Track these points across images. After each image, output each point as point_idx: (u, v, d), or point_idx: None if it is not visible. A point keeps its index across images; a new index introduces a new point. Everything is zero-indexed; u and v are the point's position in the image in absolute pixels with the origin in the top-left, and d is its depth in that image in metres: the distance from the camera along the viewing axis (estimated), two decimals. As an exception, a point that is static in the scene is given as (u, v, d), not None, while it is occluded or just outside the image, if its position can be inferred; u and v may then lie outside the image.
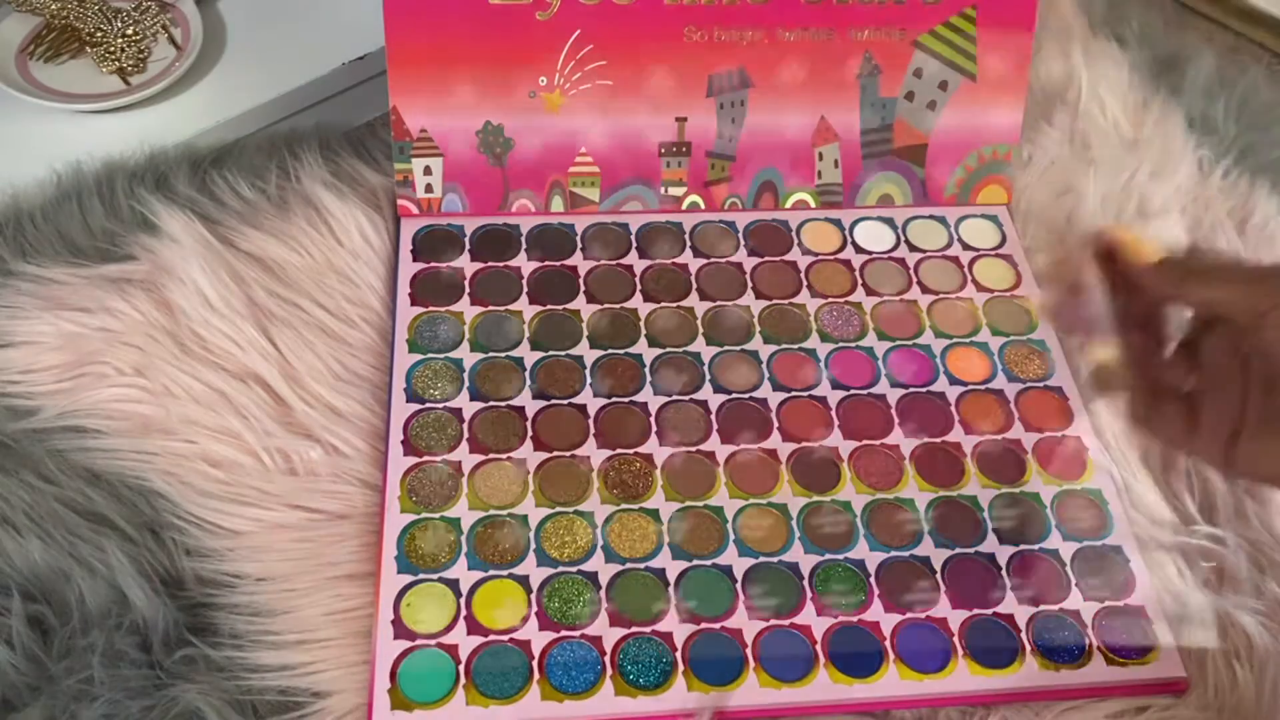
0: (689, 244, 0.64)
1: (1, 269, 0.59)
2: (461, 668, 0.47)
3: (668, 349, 0.59)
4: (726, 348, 0.59)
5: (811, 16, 0.63)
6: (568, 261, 0.63)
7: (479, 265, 0.62)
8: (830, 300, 0.62)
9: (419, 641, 0.48)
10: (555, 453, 0.54)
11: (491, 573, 0.50)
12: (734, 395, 0.57)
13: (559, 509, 0.52)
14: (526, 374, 0.57)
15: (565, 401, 0.56)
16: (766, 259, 0.64)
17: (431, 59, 0.61)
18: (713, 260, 0.63)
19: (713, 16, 0.62)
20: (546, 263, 0.62)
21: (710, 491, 0.53)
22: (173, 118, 0.71)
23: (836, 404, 0.57)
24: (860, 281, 0.63)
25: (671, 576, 0.50)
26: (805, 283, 0.62)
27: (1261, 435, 0.39)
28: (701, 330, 0.60)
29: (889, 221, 0.66)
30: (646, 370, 0.58)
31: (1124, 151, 0.69)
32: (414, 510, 0.52)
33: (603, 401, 0.56)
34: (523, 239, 0.63)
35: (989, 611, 0.50)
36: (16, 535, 0.49)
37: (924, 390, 0.58)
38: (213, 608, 0.49)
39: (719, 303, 0.61)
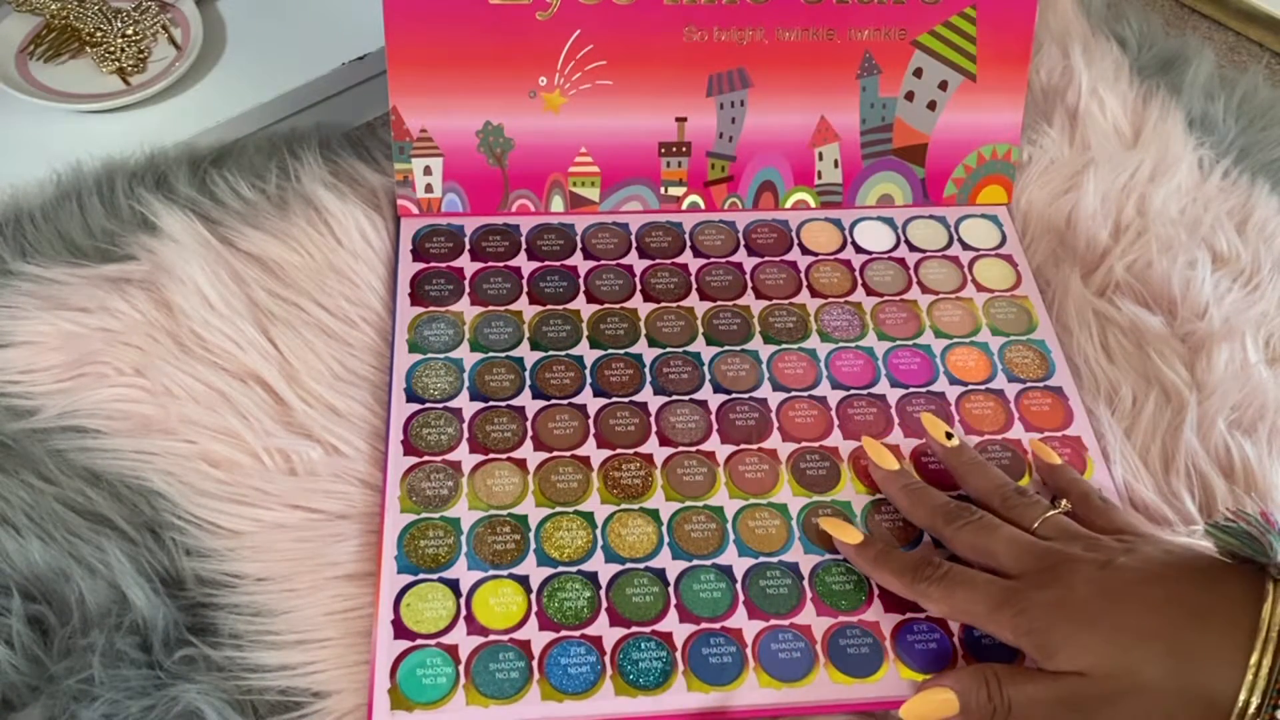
0: (689, 244, 0.64)
1: (1, 269, 0.59)
2: (461, 668, 0.47)
3: (668, 349, 0.59)
4: (726, 348, 0.59)
5: (811, 16, 0.63)
6: (568, 261, 0.63)
7: (479, 265, 0.62)
8: (830, 300, 0.62)
9: (419, 641, 0.48)
10: (555, 453, 0.54)
11: (491, 573, 0.50)
12: (734, 395, 0.57)
13: (559, 509, 0.52)
14: (526, 374, 0.57)
15: (565, 401, 0.56)
16: (766, 259, 0.64)
17: (431, 59, 0.61)
18: (713, 260, 0.63)
19: (713, 16, 0.62)
20: (546, 263, 0.62)
21: (710, 492, 0.53)
22: (173, 118, 0.71)
23: (836, 404, 0.57)
24: (860, 281, 0.63)
25: (671, 577, 0.50)
26: (805, 283, 0.63)
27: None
28: (701, 330, 0.60)
29: (889, 221, 0.66)
30: (646, 370, 0.58)
31: (1124, 151, 0.69)
32: (414, 510, 0.52)
33: (603, 401, 0.56)
34: (523, 239, 0.63)
35: (989, 611, 0.50)
36: (16, 535, 0.49)
37: (924, 390, 0.58)
38: (213, 608, 0.49)
39: (719, 303, 0.61)
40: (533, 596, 0.49)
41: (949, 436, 0.53)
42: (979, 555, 0.47)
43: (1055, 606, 0.43)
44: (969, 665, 0.46)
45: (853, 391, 0.58)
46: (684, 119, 0.64)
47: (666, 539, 0.51)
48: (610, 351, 0.58)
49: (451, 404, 0.56)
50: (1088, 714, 0.41)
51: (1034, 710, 0.42)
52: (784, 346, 0.59)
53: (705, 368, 0.58)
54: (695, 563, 0.51)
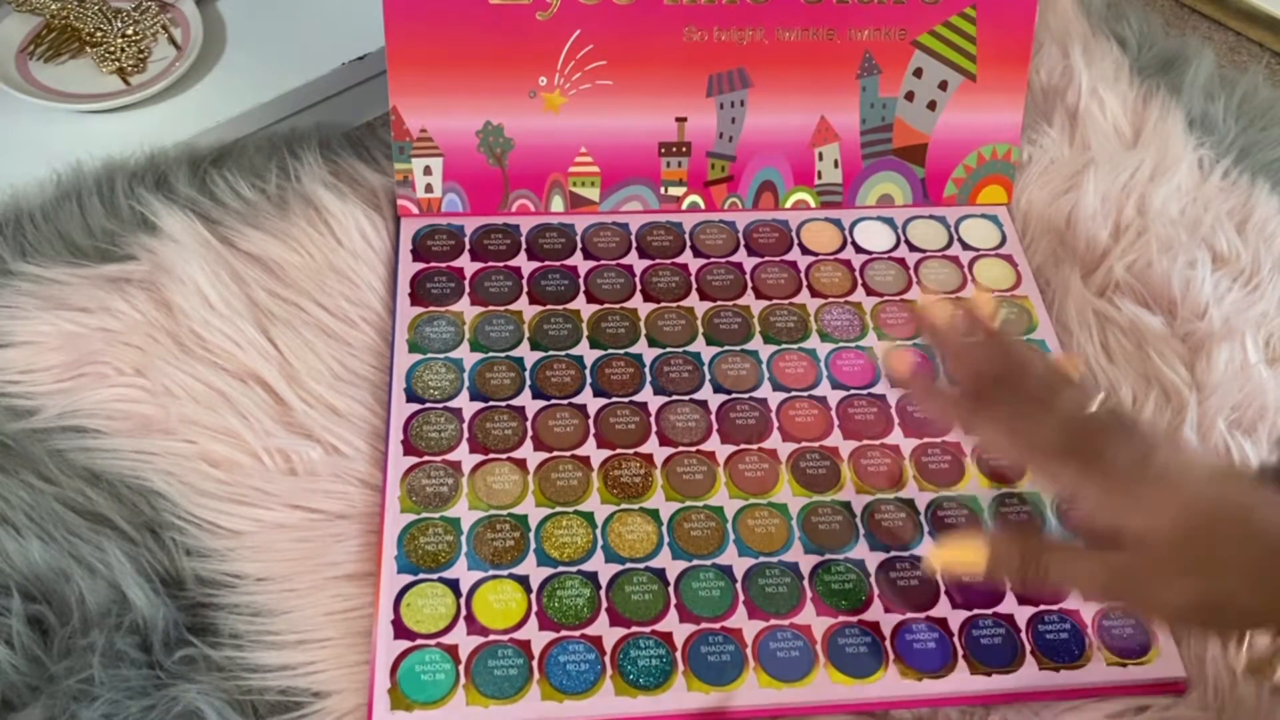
0: (689, 244, 0.64)
1: (1, 269, 0.59)
2: (461, 668, 0.47)
3: (668, 348, 0.59)
4: (726, 348, 0.59)
5: (811, 16, 0.63)
6: (568, 261, 0.63)
7: (479, 265, 0.62)
8: (830, 300, 0.62)
9: (419, 641, 0.48)
10: (555, 452, 0.54)
11: (491, 573, 0.50)
12: (734, 395, 0.57)
13: (559, 509, 0.52)
14: (526, 374, 0.57)
15: (565, 401, 0.56)
16: (766, 259, 0.64)
17: (431, 59, 0.61)
18: (713, 260, 0.63)
19: (713, 16, 0.62)
20: (546, 263, 0.62)
21: (710, 491, 0.53)
22: (173, 118, 0.71)
23: (836, 404, 0.57)
24: (860, 281, 0.63)
25: (671, 577, 0.50)
26: (805, 283, 0.62)
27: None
28: (701, 330, 0.60)
29: (889, 221, 0.66)
30: (646, 370, 0.58)
31: (1124, 151, 0.69)
32: (414, 510, 0.52)
33: (603, 401, 0.56)
34: (523, 239, 0.63)
35: (989, 611, 0.50)
36: (16, 535, 0.49)
37: (924, 390, 0.58)
38: (213, 608, 0.49)
39: (719, 303, 0.61)
40: (533, 596, 0.49)
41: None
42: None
43: (1138, 464, 0.39)
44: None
45: (853, 391, 0.58)
46: (684, 119, 0.64)
47: (666, 539, 0.51)
48: (610, 351, 0.58)
49: (451, 404, 0.56)
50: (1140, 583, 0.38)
51: (1077, 567, 0.39)
52: (784, 346, 0.59)
53: (705, 367, 0.58)
54: (695, 562, 0.51)
